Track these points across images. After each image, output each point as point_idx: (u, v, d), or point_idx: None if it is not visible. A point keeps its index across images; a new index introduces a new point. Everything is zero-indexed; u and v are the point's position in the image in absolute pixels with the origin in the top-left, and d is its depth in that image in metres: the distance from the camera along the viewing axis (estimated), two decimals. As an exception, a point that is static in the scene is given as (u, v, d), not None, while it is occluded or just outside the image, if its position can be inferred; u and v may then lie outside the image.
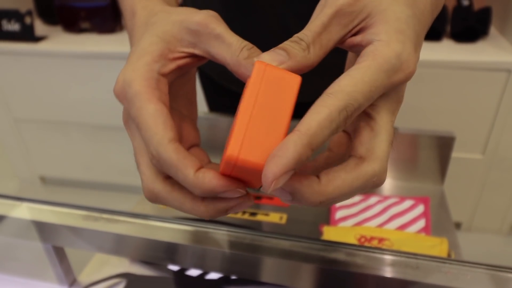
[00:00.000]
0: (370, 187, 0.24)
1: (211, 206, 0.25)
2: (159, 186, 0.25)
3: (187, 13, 0.27)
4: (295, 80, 0.23)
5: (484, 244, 1.47)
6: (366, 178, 0.23)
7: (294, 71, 0.23)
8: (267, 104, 0.22)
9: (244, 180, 0.24)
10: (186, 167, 0.23)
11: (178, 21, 0.27)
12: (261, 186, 0.22)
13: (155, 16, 0.28)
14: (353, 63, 0.29)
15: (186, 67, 0.28)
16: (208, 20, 0.26)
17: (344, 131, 0.30)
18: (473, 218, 1.49)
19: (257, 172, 0.21)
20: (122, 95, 0.26)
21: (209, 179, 0.23)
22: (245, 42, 0.25)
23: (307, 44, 0.24)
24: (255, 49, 0.25)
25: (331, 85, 0.22)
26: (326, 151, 0.30)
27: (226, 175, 0.23)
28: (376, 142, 0.23)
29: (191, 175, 0.23)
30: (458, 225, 1.52)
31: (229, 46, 0.25)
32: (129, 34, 0.31)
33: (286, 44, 0.24)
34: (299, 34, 0.24)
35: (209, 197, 0.25)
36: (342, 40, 0.25)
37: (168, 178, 0.26)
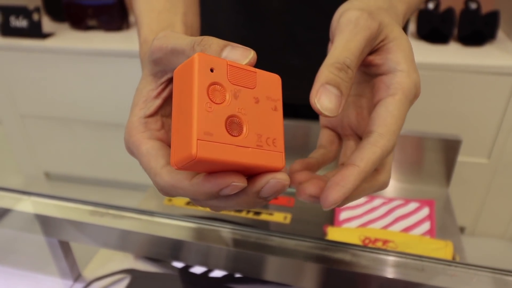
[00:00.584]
0: (377, 191, 0.29)
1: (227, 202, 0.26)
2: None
3: (150, 45, 0.28)
4: (192, 62, 0.22)
5: (488, 248, 1.46)
6: (378, 186, 0.28)
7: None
8: (181, 101, 0.22)
9: (233, 170, 0.23)
10: (181, 181, 0.24)
11: (147, 58, 0.28)
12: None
13: (143, 58, 0.32)
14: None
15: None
16: (160, 42, 0.27)
17: (333, 130, 0.33)
18: (477, 223, 1.48)
19: (203, 162, 0.21)
20: (129, 150, 0.29)
21: (201, 182, 0.23)
22: (193, 40, 0.25)
23: (352, 71, 0.25)
24: (206, 40, 0.25)
25: (376, 121, 0.26)
26: (320, 149, 0.33)
27: (218, 173, 0.23)
28: (388, 158, 0.28)
29: (188, 186, 0.24)
30: (462, 229, 1.51)
31: (184, 54, 0.25)
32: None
33: (336, 76, 0.25)
34: (344, 59, 0.25)
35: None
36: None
37: None
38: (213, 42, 0.24)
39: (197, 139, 0.20)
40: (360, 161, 0.25)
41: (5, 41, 1.51)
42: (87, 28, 1.59)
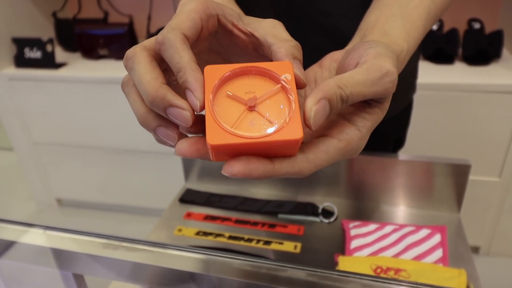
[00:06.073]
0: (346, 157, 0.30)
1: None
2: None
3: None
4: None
5: (502, 269, 1.43)
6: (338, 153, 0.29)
7: None
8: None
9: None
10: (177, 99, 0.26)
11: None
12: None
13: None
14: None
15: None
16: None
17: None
18: (490, 242, 1.46)
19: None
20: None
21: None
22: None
23: (345, 106, 0.28)
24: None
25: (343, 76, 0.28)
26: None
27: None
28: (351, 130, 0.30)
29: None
30: (476, 249, 1.48)
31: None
32: None
33: (336, 102, 0.27)
34: (350, 92, 0.27)
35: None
36: None
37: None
38: None
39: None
40: (340, 80, 0.27)
41: (19, 72, 1.55)
42: (98, 57, 1.63)
